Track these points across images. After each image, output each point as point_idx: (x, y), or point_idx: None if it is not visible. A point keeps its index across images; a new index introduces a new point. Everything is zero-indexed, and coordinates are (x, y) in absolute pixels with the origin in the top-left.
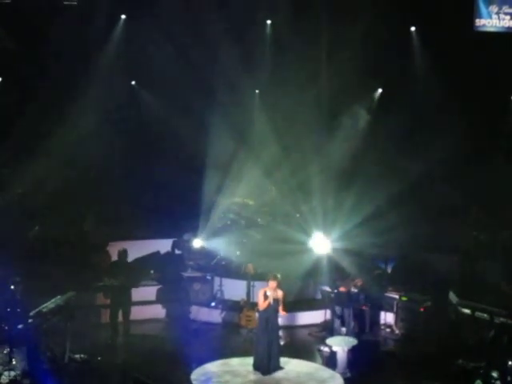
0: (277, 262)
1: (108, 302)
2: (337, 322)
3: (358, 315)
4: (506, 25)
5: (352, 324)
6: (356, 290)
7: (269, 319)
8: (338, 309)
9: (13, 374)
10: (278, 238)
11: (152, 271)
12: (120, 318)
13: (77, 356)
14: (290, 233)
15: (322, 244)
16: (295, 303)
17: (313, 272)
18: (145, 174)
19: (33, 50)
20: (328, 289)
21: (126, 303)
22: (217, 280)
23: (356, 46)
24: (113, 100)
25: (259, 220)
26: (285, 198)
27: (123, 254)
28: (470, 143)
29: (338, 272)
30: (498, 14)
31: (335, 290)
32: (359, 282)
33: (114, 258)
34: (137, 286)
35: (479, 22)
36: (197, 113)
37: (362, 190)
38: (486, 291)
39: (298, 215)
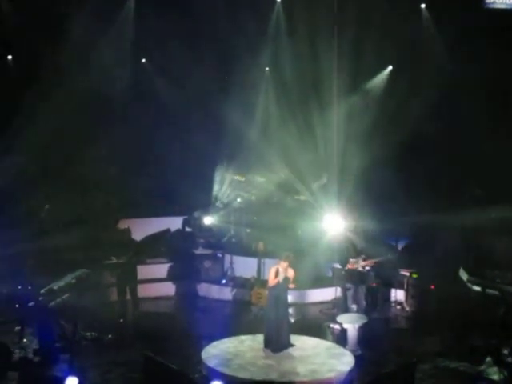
0: (287, 239)
1: (114, 279)
2: (348, 300)
3: (369, 293)
4: None
5: (364, 302)
6: (364, 269)
7: (279, 297)
8: (349, 286)
9: (24, 351)
10: (289, 215)
11: (162, 248)
12: (128, 295)
13: (87, 334)
14: (302, 211)
15: (334, 223)
16: (306, 281)
17: (323, 249)
18: (156, 153)
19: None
20: (339, 266)
21: (132, 280)
22: (227, 257)
23: (367, 24)
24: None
25: (270, 197)
26: (296, 175)
27: (127, 231)
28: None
29: (350, 250)
30: None
31: (345, 268)
32: (370, 263)
33: (124, 235)
34: (142, 263)
35: None
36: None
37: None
38: (497, 268)
39: (308, 193)
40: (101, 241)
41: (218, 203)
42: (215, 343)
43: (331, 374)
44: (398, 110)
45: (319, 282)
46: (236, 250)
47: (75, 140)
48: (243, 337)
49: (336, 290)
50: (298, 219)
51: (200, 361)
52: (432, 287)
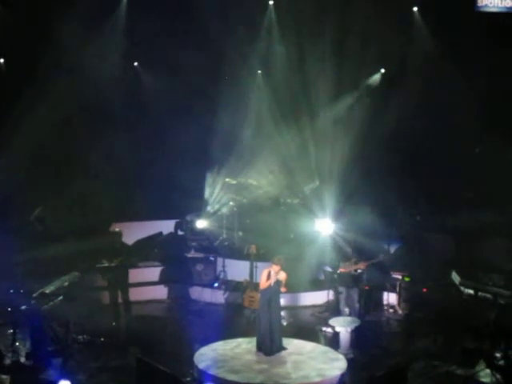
0: (280, 242)
1: (106, 283)
2: (341, 303)
3: (361, 296)
4: (509, 5)
5: (357, 305)
6: (356, 272)
7: (271, 300)
8: (342, 289)
9: (16, 355)
10: (282, 218)
11: (154, 252)
12: (120, 299)
13: (80, 337)
14: (294, 214)
15: (325, 225)
16: (298, 284)
17: (316, 252)
18: (147, 155)
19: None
20: (330, 269)
21: (124, 284)
22: (220, 261)
23: (358, 28)
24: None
25: (262, 200)
26: (288, 178)
27: (118, 234)
28: (474, 122)
29: (341, 252)
30: None
31: (337, 271)
32: (362, 266)
33: (116, 238)
34: (134, 266)
35: (481, 2)
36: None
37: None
38: (489, 271)
39: (300, 196)
40: (93, 244)
41: (210, 206)
42: (207, 346)
43: (322, 378)
44: (391, 113)
45: (311, 285)
46: (228, 253)
47: (71, 143)
48: (236, 340)
49: (328, 293)
50: (290, 222)
51: (192, 364)
52: (424, 290)
